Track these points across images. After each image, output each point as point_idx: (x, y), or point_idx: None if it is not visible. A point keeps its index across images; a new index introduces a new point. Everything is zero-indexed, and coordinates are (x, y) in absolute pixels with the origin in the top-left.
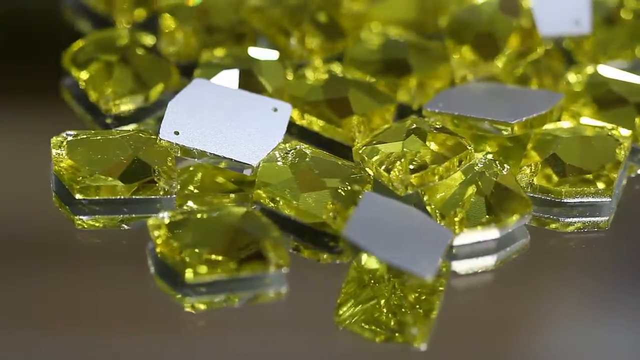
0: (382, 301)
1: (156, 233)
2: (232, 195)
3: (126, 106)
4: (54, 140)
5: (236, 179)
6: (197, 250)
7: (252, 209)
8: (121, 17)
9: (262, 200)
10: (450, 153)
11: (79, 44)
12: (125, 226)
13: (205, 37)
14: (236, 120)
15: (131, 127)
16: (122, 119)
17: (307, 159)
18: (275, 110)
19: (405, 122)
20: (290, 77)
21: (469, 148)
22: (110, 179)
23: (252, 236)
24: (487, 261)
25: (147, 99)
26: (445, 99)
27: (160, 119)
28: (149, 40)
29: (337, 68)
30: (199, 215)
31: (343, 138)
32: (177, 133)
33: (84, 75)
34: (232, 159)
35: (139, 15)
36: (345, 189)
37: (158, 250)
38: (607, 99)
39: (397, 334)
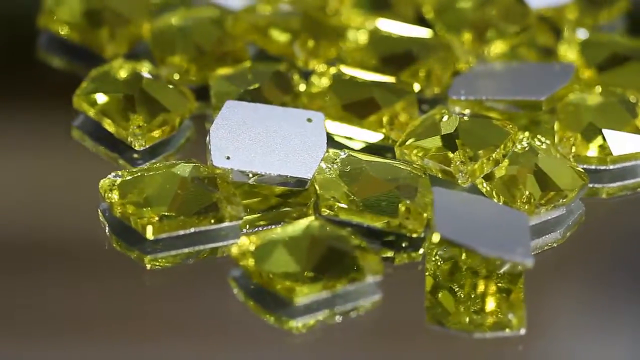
0: (469, 294)
1: (245, 262)
2: (285, 210)
3: (155, 139)
4: (102, 184)
5: (277, 193)
6: (295, 271)
7: (321, 221)
8: (110, 50)
9: (329, 213)
10: (497, 138)
11: (85, 83)
12: (191, 259)
13: (199, 58)
14: (278, 136)
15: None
16: (145, 153)
17: (363, 165)
18: (310, 120)
19: (434, 114)
20: (301, 86)
21: (512, 130)
22: (173, 213)
23: (341, 249)
24: (554, 237)
25: (173, 129)
26: (465, 84)
27: (179, 148)
28: (148, 68)
29: (345, 70)
30: (280, 237)
31: (376, 138)
32: (228, 158)
33: (102, 113)
34: (287, 176)
35: (123, 45)
36: (409, 187)
37: (254, 280)
38: (609, 61)
39: (494, 324)
